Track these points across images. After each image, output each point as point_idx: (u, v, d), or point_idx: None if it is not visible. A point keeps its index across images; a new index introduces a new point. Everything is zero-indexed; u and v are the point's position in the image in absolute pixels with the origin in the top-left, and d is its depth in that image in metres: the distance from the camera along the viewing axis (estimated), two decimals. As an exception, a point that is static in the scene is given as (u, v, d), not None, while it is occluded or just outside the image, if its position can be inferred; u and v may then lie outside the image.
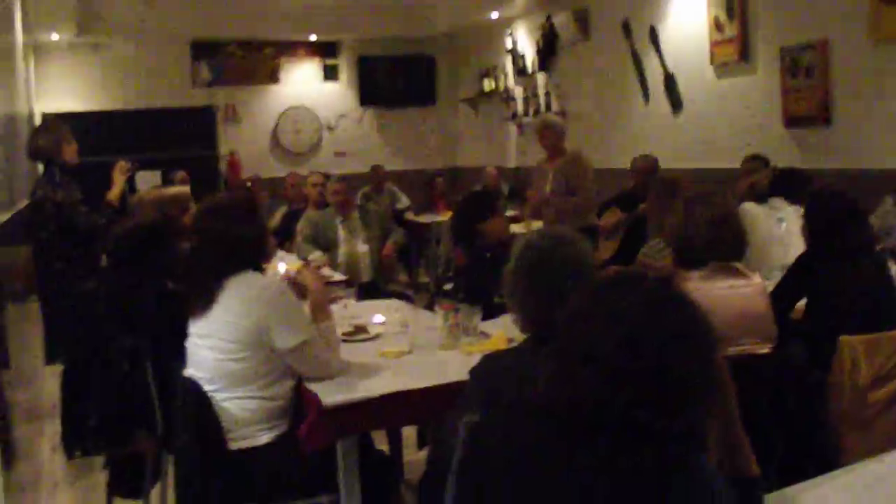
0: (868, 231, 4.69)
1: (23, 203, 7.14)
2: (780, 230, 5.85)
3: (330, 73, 15.62)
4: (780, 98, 8.30)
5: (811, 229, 4.71)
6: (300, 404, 3.94)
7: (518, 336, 3.47)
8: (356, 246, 7.95)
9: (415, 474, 4.72)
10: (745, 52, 8.73)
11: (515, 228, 7.34)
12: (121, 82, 14.10)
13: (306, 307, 4.17)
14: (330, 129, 15.58)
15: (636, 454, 1.96)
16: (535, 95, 12.91)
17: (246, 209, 4.03)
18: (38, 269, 6.52)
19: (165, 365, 4.34)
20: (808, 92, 7.96)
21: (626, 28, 10.66)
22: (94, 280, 6.28)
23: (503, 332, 4.31)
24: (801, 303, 4.67)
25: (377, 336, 4.75)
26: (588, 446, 2.01)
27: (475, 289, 4.72)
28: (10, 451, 4.58)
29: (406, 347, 4.40)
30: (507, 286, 3.15)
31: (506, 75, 13.89)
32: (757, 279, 4.03)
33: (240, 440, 3.85)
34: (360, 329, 4.81)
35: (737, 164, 7.93)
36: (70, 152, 6.46)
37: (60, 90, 13.80)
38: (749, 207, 5.94)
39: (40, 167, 6.65)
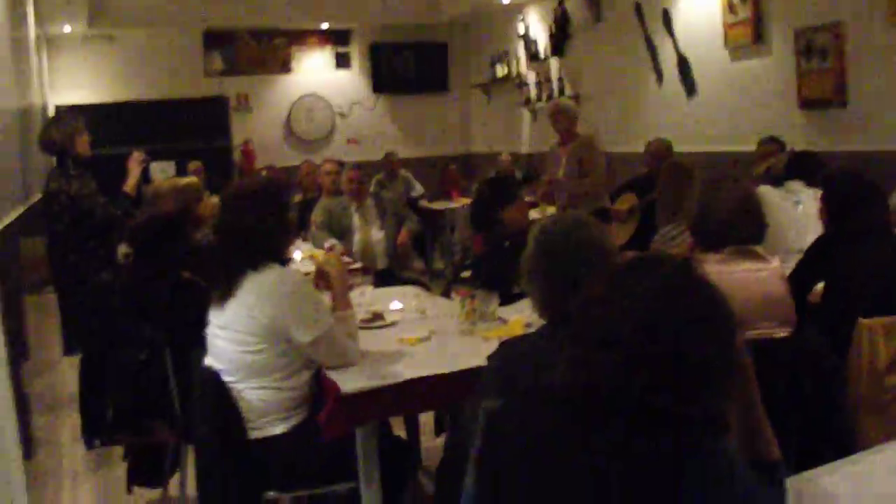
0: (886, 212, 4.66)
1: (38, 195, 7.16)
2: (797, 213, 5.82)
3: (342, 61, 15.62)
4: (795, 80, 8.26)
5: (828, 210, 4.69)
6: (320, 392, 3.95)
7: (536, 321, 3.48)
8: (371, 233, 7.96)
9: (432, 461, 4.74)
10: (759, 35, 8.69)
11: (534, 215, 7.34)
12: (133, 73, 14.14)
13: (327, 297, 4.18)
14: (343, 116, 15.58)
15: (652, 439, 1.96)
16: (548, 80, 12.89)
17: (270, 200, 3.99)
18: (53, 261, 6.53)
19: (183, 355, 4.35)
20: (823, 74, 7.93)
21: (639, 11, 10.63)
22: (109, 271, 6.30)
23: (520, 317, 4.31)
24: (819, 286, 4.65)
25: (395, 323, 4.75)
26: (603, 432, 2.01)
27: (493, 278, 4.70)
28: (30, 441, 4.60)
29: (424, 334, 4.41)
30: (524, 271, 3.15)
31: (518, 61, 13.86)
32: (775, 263, 4.01)
33: (257, 430, 3.86)
34: (378, 316, 4.82)
35: (752, 147, 7.92)
36: (82, 144, 6.47)
37: (73, 82, 13.83)
38: (765, 191, 5.91)
39: (54, 159, 6.65)
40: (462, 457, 2.89)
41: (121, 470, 5.17)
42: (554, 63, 12.76)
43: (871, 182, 4.63)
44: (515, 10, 13.61)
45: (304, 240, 8.13)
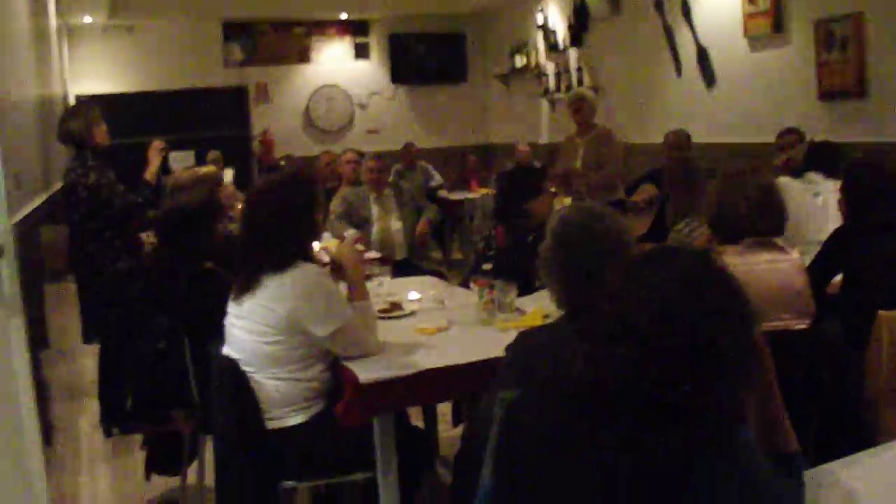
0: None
1: (59, 184, 7.18)
2: (816, 204, 5.80)
3: (361, 52, 15.62)
4: (815, 71, 8.22)
5: (847, 201, 4.67)
6: (338, 382, 3.96)
7: (554, 312, 3.47)
8: (390, 223, 7.95)
9: (450, 451, 4.74)
10: (778, 25, 8.65)
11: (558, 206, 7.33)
12: (153, 63, 14.17)
13: (343, 287, 4.18)
14: (362, 107, 15.59)
15: (662, 434, 1.96)
16: (567, 71, 12.86)
17: (298, 201, 3.96)
18: (73, 250, 6.56)
19: (202, 345, 4.36)
20: (843, 64, 7.89)
21: (658, 2, 10.59)
22: (126, 261, 6.32)
23: (539, 308, 4.31)
24: (838, 278, 4.64)
25: (413, 313, 4.75)
26: (614, 425, 2.01)
27: (515, 273, 4.68)
28: (49, 429, 4.63)
29: (442, 324, 4.41)
30: (542, 262, 3.15)
31: (537, 51, 13.83)
32: (795, 254, 4.00)
33: (275, 420, 3.87)
34: (396, 306, 4.82)
35: (771, 138, 7.89)
36: (101, 134, 6.48)
37: (94, 72, 13.88)
38: (784, 182, 5.88)
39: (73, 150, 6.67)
40: (479, 447, 2.90)
41: (139, 458, 5.19)
42: (573, 53, 12.74)
43: (891, 173, 4.61)
44: (534, 1, 13.59)
45: (323, 229, 8.12)
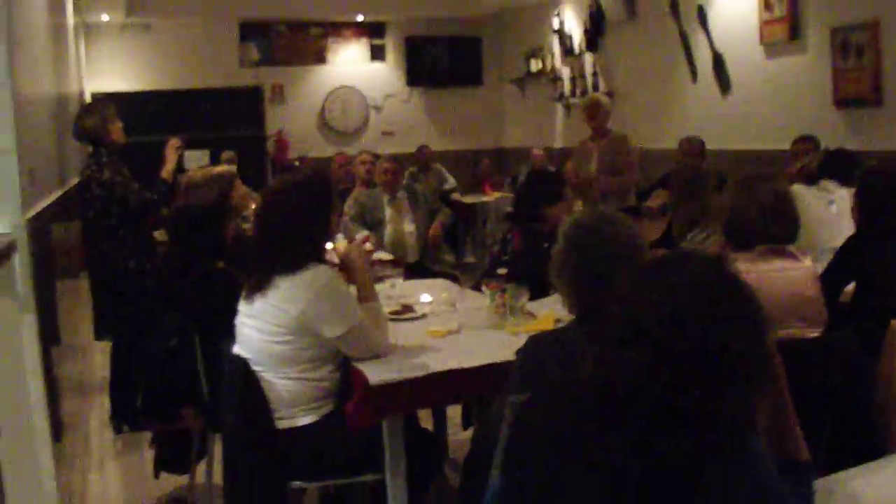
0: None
1: (73, 181, 7.19)
2: (831, 212, 5.79)
3: (377, 54, 15.62)
4: (831, 78, 8.21)
5: (861, 208, 4.65)
6: (348, 383, 3.95)
7: (565, 316, 3.47)
8: (403, 226, 7.95)
9: (459, 454, 4.73)
10: (794, 32, 8.64)
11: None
12: (169, 62, 14.20)
13: (354, 289, 4.18)
14: (377, 109, 15.59)
15: (672, 438, 1.95)
16: (583, 76, 12.86)
17: (314, 202, 3.98)
18: (87, 247, 6.57)
19: (213, 343, 4.37)
20: (859, 72, 7.88)
21: (674, 8, 10.58)
22: (139, 258, 6.34)
23: (550, 312, 4.31)
24: (851, 286, 4.62)
25: (424, 315, 4.75)
26: (624, 429, 2.01)
27: (530, 280, 4.67)
28: (59, 425, 4.64)
29: (453, 327, 4.41)
30: (554, 266, 3.15)
31: (553, 56, 13.83)
32: (808, 262, 3.99)
33: (285, 420, 3.87)
34: (408, 308, 4.82)
35: (786, 146, 7.87)
36: (116, 132, 6.49)
37: (110, 70, 13.90)
38: (799, 189, 5.88)
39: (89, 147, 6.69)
40: (489, 450, 2.90)
41: (148, 455, 5.20)
42: (588, 58, 12.73)
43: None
44: (550, 5, 13.58)
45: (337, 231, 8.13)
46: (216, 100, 14.09)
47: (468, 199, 12.51)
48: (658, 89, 11.15)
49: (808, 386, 3.35)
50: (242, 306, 3.96)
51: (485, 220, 11.90)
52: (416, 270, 7.29)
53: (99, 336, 7.20)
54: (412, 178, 12.27)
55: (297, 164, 13.30)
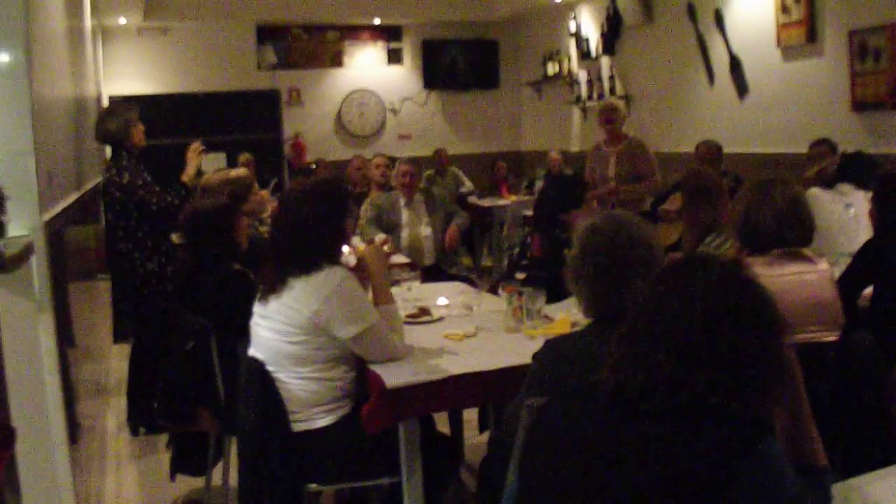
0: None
1: (91, 183, 7.22)
2: (848, 216, 5.77)
3: (394, 57, 15.64)
4: (848, 82, 8.19)
5: (879, 210, 4.64)
6: (364, 386, 3.96)
7: (582, 320, 3.47)
8: (419, 229, 7.95)
9: (476, 457, 4.74)
10: (812, 35, 8.61)
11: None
12: (186, 65, 14.24)
13: (369, 291, 4.18)
14: (394, 112, 15.60)
15: (700, 440, 1.95)
16: (599, 79, 12.85)
17: (331, 206, 4.00)
18: (108, 249, 6.60)
19: (229, 345, 4.38)
20: (876, 76, 7.86)
21: (691, 11, 10.57)
22: (158, 260, 6.36)
23: (567, 316, 4.31)
24: (869, 289, 4.61)
25: (441, 318, 4.75)
26: (646, 432, 2.01)
27: (548, 287, 4.65)
28: (75, 427, 4.66)
29: (470, 330, 4.41)
30: (571, 270, 3.14)
31: (570, 59, 13.82)
32: (824, 265, 3.98)
33: (301, 422, 3.87)
34: (424, 311, 4.82)
35: (803, 149, 7.85)
36: (138, 135, 6.52)
37: (127, 73, 13.95)
38: (816, 193, 5.86)
39: (107, 147, 6.71)
40: (505, 454, 2.90)
41: (164, 457, 5.21)
42: (605, 62, 12.73)
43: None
44: (567, 9, 13.58)
45: (354, 233, 8.13)
46: (233, 103, 14.13)
47: (485, 203, 12.50)
48: (675, 92, 11.14)
49: (825, 390, 3.35)
50: (257, 307, 3.98)
51: (502, 224, 11.90)
52: (433, 273, 7.29)
53: (118, 338, 7.22)
54: (429, 181, 12.29)
55: (313, 167, 13.31)
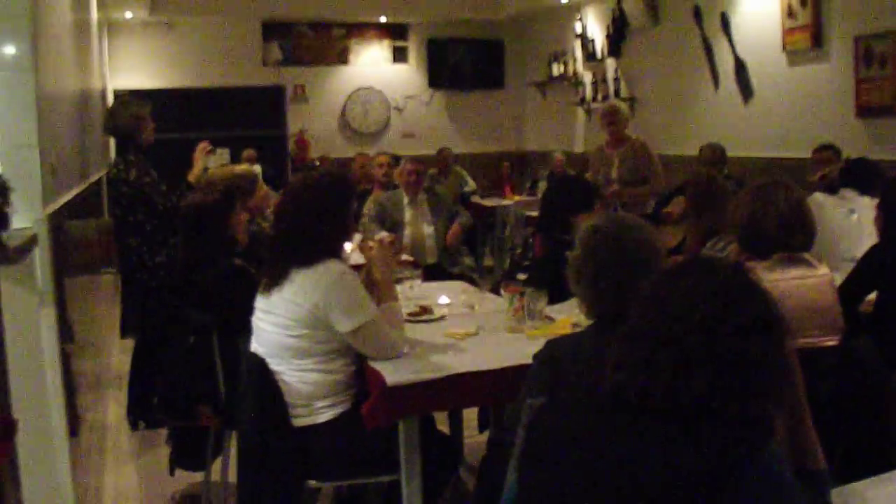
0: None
1: (94, 177, 7.22)
2: (851, 222, 5.76)
3: (399, 55, 15.63)
4: (853, 87, 8.19)
5: (886, 216, 4.63)
6: (365, 383, 3.96)
7: (583, 321, 3.47)
8: (422, 228, 7.94)
9: (475, 457, 4.74)
10: (818, 40, 8.61)
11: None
12: (192, 60, 14.24)
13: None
14: (398, 110, 15.59)
15: (700, 442, 1.96)
16: (605, 81, 12.84)
17: (333, 199, 4.02)
18: (118, 244, 6.60)
19: (230, 341, 4.38)
20: (882, 81, 7.85)
21: (697, 14, 10.56)
22: (165, 255, 6.36)
23: (568, 316, 4.31)
24: (872, 295, 4.61)
25: (442, 317, 4.76)
26: (646, 433, 2.01)
27: (550, 288, 4.65)
28: (75, 420, 4.66)
29: (471, 329, 4.41)
30: (573, 271, 3.15)
31: (575, 60, 13.81)
32: (824, 269, 3.98)
33: (302, 417, 3.88)
34: (426, 310, 4.82)
35: (807, 154, 7.85)
36: (147, 131, 6.52)
37: (132, 67, 13.95)
38: (819, 198, 5.86)
39: (111, 140, 6.71)
40: (505, 454, 2.90)
41: (164, 452, 5.21)
42: (610, 63, 12.72)
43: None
44: (573, 10, 13.57)
45: (357, 231, 8.13)
46: (238, 99, 14.13)
47: (488, 202, 12.50)
48: (680, 95, 11.13)
49: (824, 394, 3.35)
50: (259, 301, 3.99)
51: (504, 224, 11.89)
52: (435, 272, 7.29)
53: (126, 333, 7.23)
54: (432, 180, 12.27)
55: (317, 163, 13.31)
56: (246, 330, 4.06)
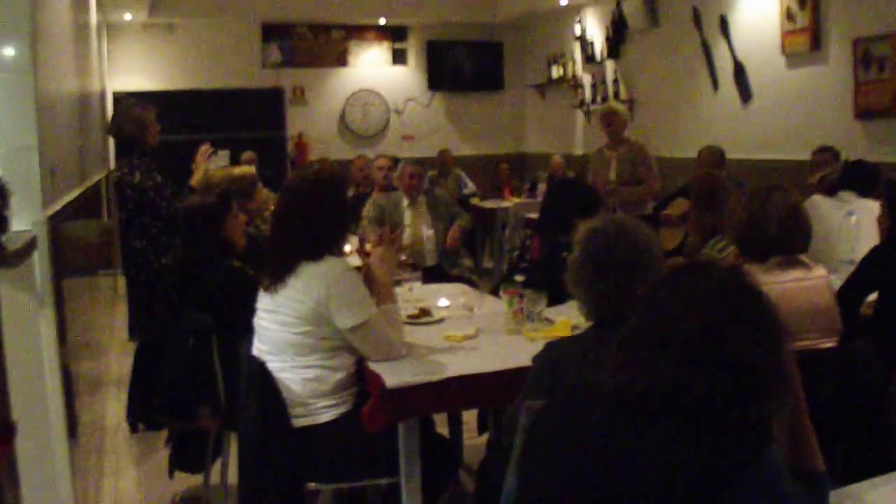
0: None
1: (94, 179, 7.21)
2: (849, 224, 5.76)
3: (399, 57, 15.62)
4: (852, 90, 8.19)
5: (892, 216, 4.63)
6: (364, 385, 3.97)
7: (582, 323, 3.48)
8: (421, 230, 7.95)
9: (474, 459, 4.74)
10: (816, 43, 8.61)
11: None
12: (191, 62, 14.23)
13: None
14: (398, 112, 15.58)
15: (701, 444, 1.96)
16: (604, 83, 12.84)
17: (329, 193, 4.05)
18: (123, 247, 6.61)
19: (230, 343, 4.38)
20: (880, 84, 7.86)
21: (696, 16, 10.56)
22: (170, 257, 6.37)
23: (567, 319, 4.31)
24: (872, 296, 4.61)
25: (442, 319, 4.76)
26: (646, 436, 2.01)
27: (549, 290, 4.65)
28: (74, 422, 4.66)
29: (471, 331, 4.41)
30: (571, 273, 3.15)
31: (574, 62, 13.80)
32: (821, 271, 3.98)
33: (302, 417, 3.88)
34: (425, 312, 4.83)
35: (806, 156, 7.85)
36: (152, 135, 6.53)
37: (132, 69, 13.94)
38: (817, 200, 5.86)
39: (111, 142, 6.72)
40: (504, 456, 2.90)
41: (163, 454, 5.21)
42: (610, 66, 12.72)
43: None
44: (572, 12, 13.56)
45: (355, 234, 8.13)
46: (237, 100, 14.13)
47: (487, 205, 12.52)
48: (679, 98, 11.13)
49: (823, 396, 3.35)
50: (261, 301, 4.00)
51: (504, 226, 11.89)
52: (434, 274, 7.29)
53: (133, 335, 7.23)
54: (432, 182, 12.28)
55: (315, 165, 13.30)
56: (245, 331, 4.07)
